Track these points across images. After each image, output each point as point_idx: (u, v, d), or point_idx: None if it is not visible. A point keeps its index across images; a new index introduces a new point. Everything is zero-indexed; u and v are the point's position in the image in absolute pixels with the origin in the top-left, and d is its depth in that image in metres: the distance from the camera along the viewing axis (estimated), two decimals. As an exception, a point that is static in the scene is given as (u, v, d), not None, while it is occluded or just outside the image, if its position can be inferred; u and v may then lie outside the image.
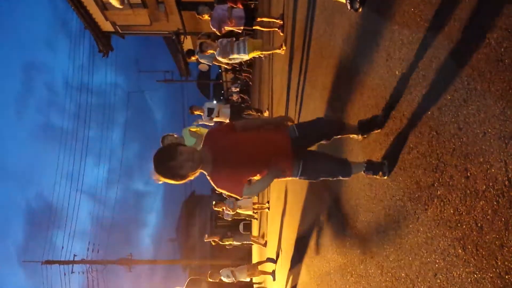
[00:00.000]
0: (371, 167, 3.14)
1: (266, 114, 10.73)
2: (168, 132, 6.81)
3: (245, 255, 28.34)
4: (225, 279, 9.93)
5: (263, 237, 13.72)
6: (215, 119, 9.00)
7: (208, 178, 2.90)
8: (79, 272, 27.61)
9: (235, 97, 24.04)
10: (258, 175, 2.97)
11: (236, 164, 2.86)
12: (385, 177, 3.06)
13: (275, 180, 2.99)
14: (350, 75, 4.15)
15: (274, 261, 9.93)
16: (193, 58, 9.79)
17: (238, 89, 23.76)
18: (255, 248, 19.31)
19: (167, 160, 2.67)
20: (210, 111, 8.95)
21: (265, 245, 12.66)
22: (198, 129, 7.91)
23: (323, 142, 3.31)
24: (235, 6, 8.47)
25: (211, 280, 9.93)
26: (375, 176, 3.13)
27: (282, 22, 8.89)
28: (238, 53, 8.06)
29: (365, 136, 3.47)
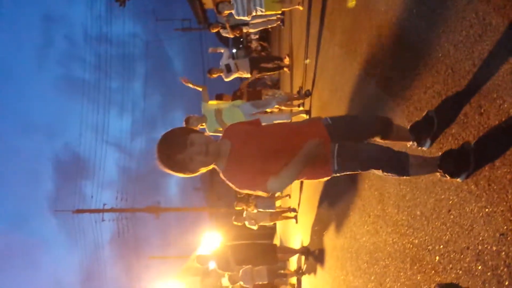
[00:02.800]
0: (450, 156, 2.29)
1: (286, 60, 10.51)
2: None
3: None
4: (247, 223, 10.18)
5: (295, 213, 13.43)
6: (235, 75, 8.63)
7: (222, 175, 2.33)
8: (109, 220, 28.71)
9: (254, 44, 23.59)
10: None
11: (258, 157, 2.25)
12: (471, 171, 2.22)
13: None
14: (368, 17, 4.07)
15: (295, 210, 10.16)
16: (213, 30, 9.75)
17: (257, 36, 23.31)
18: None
19: (175, 152, 2.16)
20: (228, 68, 8.59)
21: (296, 218, 12.64)
22: (218, 102, 7.40)
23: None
24: None
25: (235, 223, 10.25)
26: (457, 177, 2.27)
27: None
28: (255, 7, 7.85)
29: (420, 143, 2.65)
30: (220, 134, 6.96)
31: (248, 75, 8.56)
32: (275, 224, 15.80)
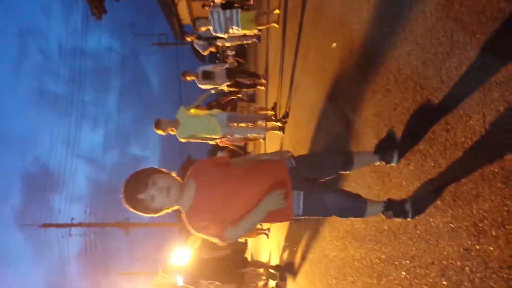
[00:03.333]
0: (391, 206, 2.51)
1: (262, 80, 10.52)
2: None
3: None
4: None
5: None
6: (210, 86, 8.48)
7: (183, 217, 2.36)
8: (76, 235, 28.02)
9: (230, 60, 23.72)
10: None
11: (219, 208, 2.31)
12: (408, 219, 2.46)
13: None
14: (340, 36, 4.14)
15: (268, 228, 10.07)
16: (188, 39, 9.65)
17: (233, 52, 23.43)
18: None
19: (137, 191, 2.20)
20: (205, 74, 8.45)
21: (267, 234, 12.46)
22: (195, 110, 6.96)
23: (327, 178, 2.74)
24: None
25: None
26: (395, 218, 2.52)
27: None
28: (231, 25, 7.89)
29: (387, 160, 2.68)
30: (192, 140, 6.77)
31: (224, 87, 8.51)
32: (246, 240, 15.68)
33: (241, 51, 23.77)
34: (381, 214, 2.55)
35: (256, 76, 10.16)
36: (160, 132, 6.51)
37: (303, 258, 5.27)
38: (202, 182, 2.37)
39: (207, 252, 8.79)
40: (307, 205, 2.40)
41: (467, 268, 1.88)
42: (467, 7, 2.03)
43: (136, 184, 2.21)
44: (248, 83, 9.30)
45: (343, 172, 2.75)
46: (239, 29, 7.96)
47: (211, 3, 10.48)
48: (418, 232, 2.35)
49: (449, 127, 2.13)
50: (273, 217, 2.39)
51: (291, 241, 6.47)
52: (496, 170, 1.76)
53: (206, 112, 6.93)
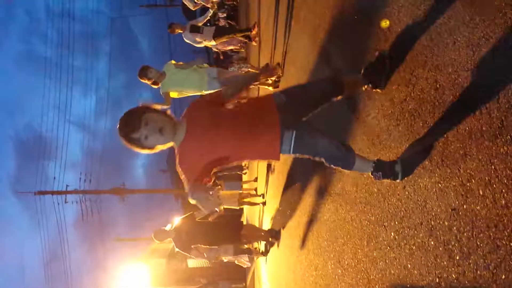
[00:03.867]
0: (381, 167, 2.46)
1: (255, 31, 10.25)
2: (149, 64, 6.32)
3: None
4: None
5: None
6: (197, 39, 8.20)
7: (176, 152, 2.45)
8: (72, 202, 28.11)
9: (222, 23, 23.29)
10: (234, 161, 2.48)
11: (208, 143, 2.38)
12: (398, 181, 2.43)
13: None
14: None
15: (263, 196, 10.09)
16: None
17: (225, 14, 23.01)
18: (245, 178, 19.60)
19: (129, 131, 2.28)
20: (193, 28, 8.12)
21: (255, 179, 12.55)
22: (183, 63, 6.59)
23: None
24: None
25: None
26: (384, 180, 2.49)
27: None
28: None
29: (375, 84, 2.72)
30: (171, 97, 6.31)
31: (211, 43, 8.26)
32: (242, 208, 15.78)
33: (232, 13, 23.34)
34: (370, 175, 2.52)
35: (247, 30, 9.88)
36: (144, 80, 6.08)
37: (296, 222, 5.30)
38: (192, 122, 2.42)
39: (200, 212, 8.74)
40: (298, 145, 2.37)
41: (454, 228, 1.86)
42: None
43: (128, 124, 2.29)
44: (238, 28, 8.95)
45: (335, 99, 2.63)
46: None
47: None
48: (406, 193, 2.33)
49: (437, 86, 2.08)
50: (260, 154, 2.48)
51: (284, 206, 6.51)
52: (484, 129, 1.72)
53: (193, 66, 6.61)
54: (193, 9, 9.93)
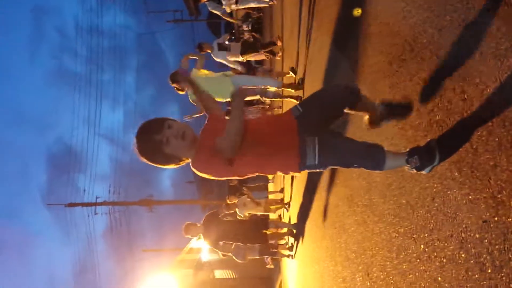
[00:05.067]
0: (416, 151, 2.32)
1: (279, 44, 10.36)
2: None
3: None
4: (238, 211, 9.80)
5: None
6: (225, 59, 8.38)
7: (191, 166, 2.34)
8: (101, 214, 28.67)
9: (246, 35, 23.50)
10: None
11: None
12: (436, 164, 2.27)
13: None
14: (355, 4, 4.02)
15: (288, 204, 10.10)
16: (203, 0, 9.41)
17: (249, 28, 23.21)
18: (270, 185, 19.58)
19: (151, 132, 2.19)
20: (221, 46, 8.29)
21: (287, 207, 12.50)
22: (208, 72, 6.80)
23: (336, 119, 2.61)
24: None
25: (229, 202, 9.88)
26: (422, 167, 2.31)
27: None
28: None
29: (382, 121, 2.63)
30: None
31: (239, 59, 8.41)
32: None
33: (257, 26, 23.51)
34: (406, 165, 2.35)
35: (271, 44, 10.01)
36: (174, 85, 6.19)
37: (322, 233, 5.27)
38: (205, 131, 2.41)
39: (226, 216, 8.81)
40: (322, 152, 2.25)
41: (485, 241, 1.84)
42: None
43: (151, 125, 2.22)
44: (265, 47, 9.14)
45: (350, 110, 2.53)
46: None
47: None
48: (436, 205, 2.30)
49: (465, 97, 2.06)
50: (281, 167, 2.39)
51: (311, 217, 6.48)
52: (514, 140, 1.70)
53: (220, 73, 6.68)
54: (223, 16, 10.02)
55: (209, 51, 8.19)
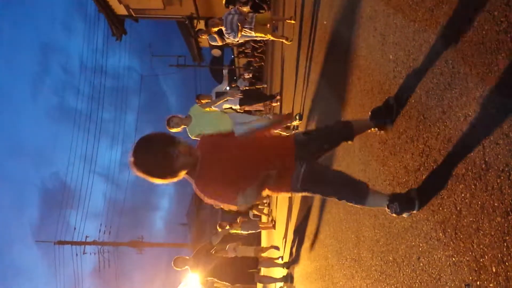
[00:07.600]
0: (397, 198, 2.43)
1: (277, 98, 10.61)
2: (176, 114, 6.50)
3: (254, 240, 28.48)
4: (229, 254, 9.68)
5: (273, 222, 13.55)
6: (223, 107, 8.48)
7: (194, 185, 2.35)
8: (90, 253, 28.13)
9: (247, 76, 23.99)
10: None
11: (229, 167, 2.34)
12: (415, 211, 2.37)
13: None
14: (349, 60, 4.14)
15: (278, 248, 9.98)
16: (203, 36, 9.55)
17: (250, 75, 23.67)
18: (264, 234, 19.34)
19: (166, 144, 2.16)
20: (219, 95, 8.54)
21: (274, 227, 12.51)
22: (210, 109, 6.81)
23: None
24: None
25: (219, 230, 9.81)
26: (401, 212, 2.41)
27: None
28: (245, 26, 7.73)
29: (381, 127, 2.89)
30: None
31: (236, 107, 8.55)
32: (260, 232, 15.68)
33: (258, 74, 23.97)
34: (386, 209, 2.46)
35: (271, 98, 10.26)
36: (172, 129, 6.14)
37: (312, 286, 5.18)
38: (205, 149, 2.44)
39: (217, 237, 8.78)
40: (307, 178, 2.37)
41: (468, 305, 1.82)
42: (467, 37, 2.02)
43: (163, 138, 2.21)
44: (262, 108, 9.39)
45: (348, 141, 2.79)
46: (252, 31, 7.78)
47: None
48: (421, 264, 2.29)
49: (451, 159, 2.10)
50: (276, 188, 2.48)
51: (300, 267, 6.38)
52: (496, 204, 1.71)
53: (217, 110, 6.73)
54: (221, 44, 10.14)
55: (208, 100, 8.33)
